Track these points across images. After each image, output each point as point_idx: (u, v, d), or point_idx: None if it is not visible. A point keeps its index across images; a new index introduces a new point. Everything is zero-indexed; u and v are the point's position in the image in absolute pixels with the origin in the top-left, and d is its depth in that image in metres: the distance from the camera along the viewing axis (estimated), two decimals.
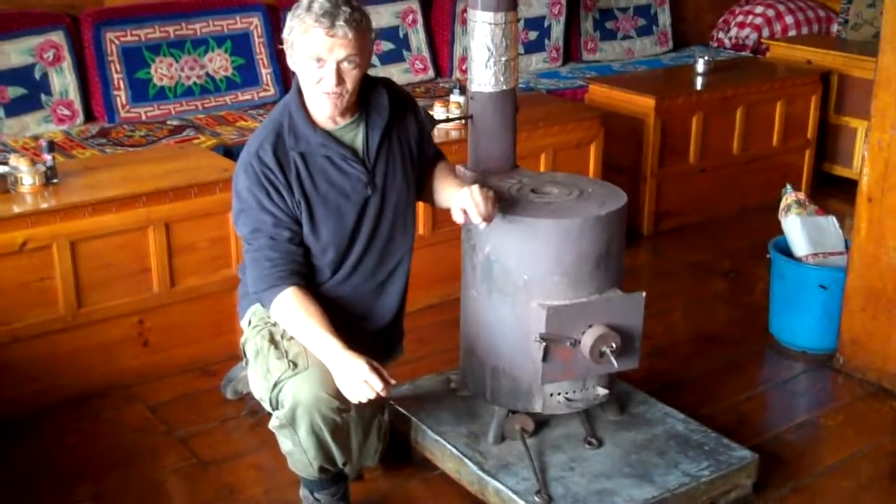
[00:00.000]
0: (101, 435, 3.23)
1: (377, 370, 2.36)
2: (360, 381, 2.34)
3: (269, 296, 2.51)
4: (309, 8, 2.43)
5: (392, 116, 2.63)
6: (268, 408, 2.58)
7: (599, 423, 2.96)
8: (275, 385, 2.50)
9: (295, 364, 2.48)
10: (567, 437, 2.89)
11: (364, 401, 2.38)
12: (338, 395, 2.43)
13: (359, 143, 2.60)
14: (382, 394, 2.35)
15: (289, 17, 2.49)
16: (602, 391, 2.81)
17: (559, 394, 2.76)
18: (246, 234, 2.57)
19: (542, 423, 2.91)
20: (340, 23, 2.41)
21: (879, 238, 3.48)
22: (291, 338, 2.53)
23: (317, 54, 2.44)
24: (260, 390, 2.59)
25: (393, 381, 2.39)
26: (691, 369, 3.70)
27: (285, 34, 2.50)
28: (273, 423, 2.57)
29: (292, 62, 2.52)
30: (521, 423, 2.84)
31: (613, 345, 2.60)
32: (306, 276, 2.56)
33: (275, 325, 2.59)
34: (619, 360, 2.61)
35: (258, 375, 2.58)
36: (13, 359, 3.23)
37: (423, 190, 2.79)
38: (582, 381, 2.77)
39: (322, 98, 2.49)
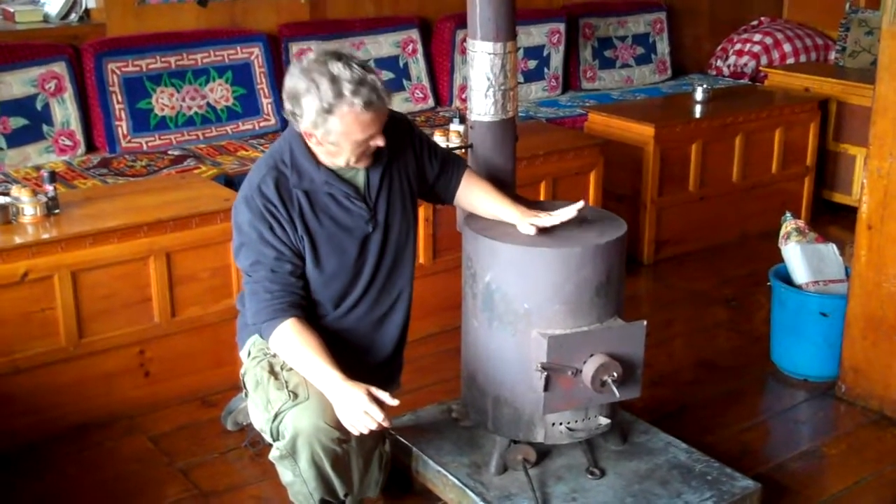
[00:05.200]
0: (103, 466, 3.22)
1: (377, 399, 2.35)
2: (359, 411, 2.34)
3: (269, 328, 2.50)
4: (340, 95, 2.35)
5: (392, 155, 2.64)
6: (268, 439, 2.57)
7: (601, 452, 2.95)
8: (275, 416, 2.49)
9: (295, 394, 2.48)
10: (569, 468, 2.88)
11: (365, 432, 2.37)
12: (338, 426, 2.43)
13: (360, 181, 2.61)
14: (385, 424, 2.34)
15: (310, 101, 2.37)
16: (604, 420, 2.80)
17: (561, 423, 2.75)
18: (246, 267, 2.57)
19: (544, 453, 2.90)
20: (384, 98, 2.42)
21: (880, 265, 3.48)
22: (291, 368, 2.52)
23: (366, 136, 2.44)
24: (260, 421, 2.58)
25: (395, 402, 2.37)
26: (693, 398, 3.69)
27: (313, 119, 2.40)
28: (273, 454, 2.56)
29: (316, 142, 2.48)
30: (523, 454, 2.83)
31: (615, 374, 2.59)
32: (306, 309, 2.56)
33: (274, 356, 2.58)
34: (620, 389, 2.61)
35: (258, 407, 2.58)
36: (14, 389, 3.23)
37: (445, 198, 2.84)
38: (584, 411, 2.76)
39: (360, 160, 2.52)
